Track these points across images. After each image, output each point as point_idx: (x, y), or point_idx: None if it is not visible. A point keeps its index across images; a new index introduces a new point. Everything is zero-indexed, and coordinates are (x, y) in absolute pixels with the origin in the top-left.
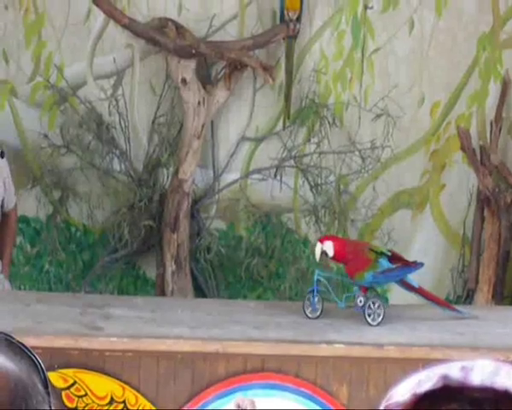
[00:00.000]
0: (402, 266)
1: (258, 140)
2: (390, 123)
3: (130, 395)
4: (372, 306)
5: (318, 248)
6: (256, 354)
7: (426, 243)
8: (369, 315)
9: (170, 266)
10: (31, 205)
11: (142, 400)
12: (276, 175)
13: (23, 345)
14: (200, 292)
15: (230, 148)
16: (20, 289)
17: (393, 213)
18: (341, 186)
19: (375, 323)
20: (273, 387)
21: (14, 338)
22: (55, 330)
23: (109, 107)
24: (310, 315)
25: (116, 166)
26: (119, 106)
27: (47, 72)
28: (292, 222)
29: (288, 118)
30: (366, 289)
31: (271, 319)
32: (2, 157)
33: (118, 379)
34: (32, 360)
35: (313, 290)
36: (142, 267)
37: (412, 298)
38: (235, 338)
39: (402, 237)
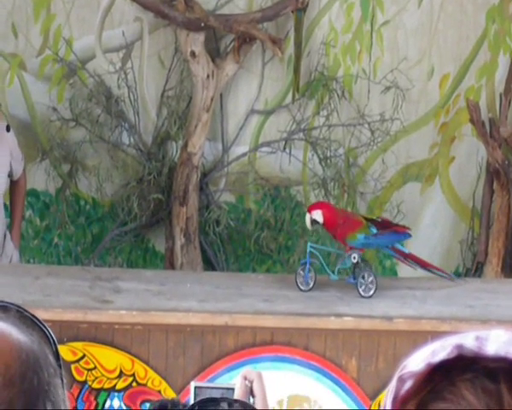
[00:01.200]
0: (391, 231)
1: (268, 113)
2: (399, 96)
3: (140, 369)
4: (364, 278)
5: (308, 217)
6: (265, 326)
7: (435, 216)
8: (362, 287)
9: (179, 240)
10: (40, 178)
11: (151, 373)
12: (285, 148)
13: (35, 317)
14: (209, 265)
15: (239, 121)
16: (29, 262)
17: (402, 185)
18: (350, 159)
19: (367, 295)
20: (282, 360)
21: (25, 310)
22: (64, 304)
23: (118, 80)
24: (302, 288)
25: (125, 139)
26: (127, 79)
27: (56, 45)
28: (301, 195)
29: (297, 91)
30: (361, 250)
31: (280, 291)
32: (8, 131)
33: (127, 352)
34: (44, 332)
35: (305, 263)
36: (152, 241)
37: (421, 271)
38: (245, 311)
39: (411, 209)
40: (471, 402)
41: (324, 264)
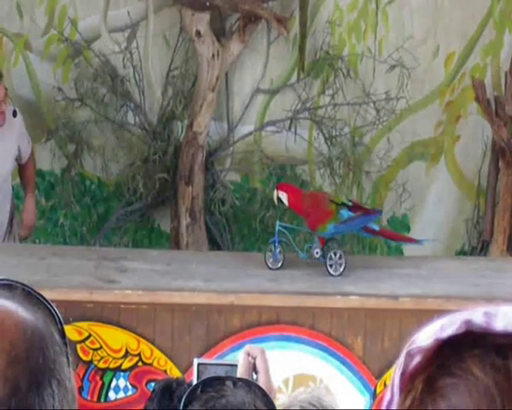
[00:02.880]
0: (362, 214)
1: (273, 92)
2: (404, 74)
3: (145, 348)
4: (333, 256)
5: (275, 193)
6: (271, 306)
7: (440, 195)
8: (331, 266)
9: (184, 219)
10: (45, 158)
11: (156, 352)
12: (290, 127)
13: (40, 295)
14: (214, 245)
15: (245, 100)
16: (34, 242)
17: (408, 164)
18: (356, 138)
19: (336, 273)
20: (288, 339)
21: (31, 289)
22: (69, 284)
23: (123, 60)
24: (271, 266)
25: (130, 119)
26: (133, 59)
27: (61, 25)
28: (306, 174)
29: (303, 70)
30: (324, 241)
31: (286, 271)
32: (15, 116)
33: (133, 332)
34: (50, 310)
35: (274, 241)
36: (157, 220)
37: (427, 250)
38: (250, 291)
39: (417, 188)
40: (479, 378)
41: (293, 242)
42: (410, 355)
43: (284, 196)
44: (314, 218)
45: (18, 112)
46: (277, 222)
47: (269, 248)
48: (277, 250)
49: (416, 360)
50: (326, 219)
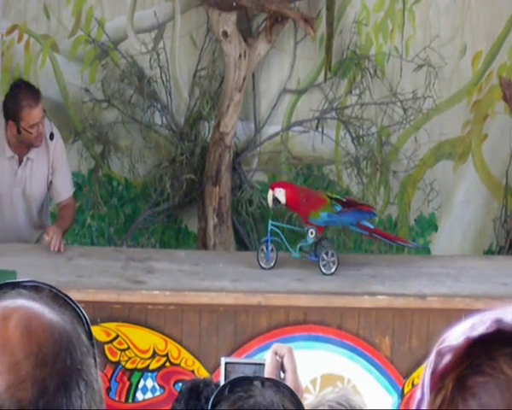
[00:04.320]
0: (356, 209)
1: (300, 92)
2: (432, 73)
3: (173, 349)
4: (325, 256)
5: (270, 195)
6: (298, 306)
7: (468, 194)
8: (323, 265)
9: (212, 220)
10: (73, 160)
11: (184, 353)
12: (317, 127)
13: (67, 297)
14: (241, 245)
15: (272, 100)
16: None
17: (435, 163)
18: (383, 137)
19: (328, 272)
20: (315, 339)
21: (58, 290)
22: (97, 284)
23: (150, 60)
24: (264, 265)
25: (157, 119)
26: (160, 59)
27: (88, 26)
28: (333, 174)
29: (330, 70)
30: (321, 229)
31: (313, 271)
32: (52, 139)
33: (160, 332)
34: (76, 311)
35: (267, 241)
36: (184, 221)
37: (455, 249)
38: (278, 291)
39: (444, 187)
40: (510, 376)
41: (286, 242)
42: (440, 354)
43: (282, 193)
44: (307, 206)
45: (54, 135)
46: (270, 221)
47: (261, 248)
48: (270, 250)
49: (447, 358)
50: (319, 206)
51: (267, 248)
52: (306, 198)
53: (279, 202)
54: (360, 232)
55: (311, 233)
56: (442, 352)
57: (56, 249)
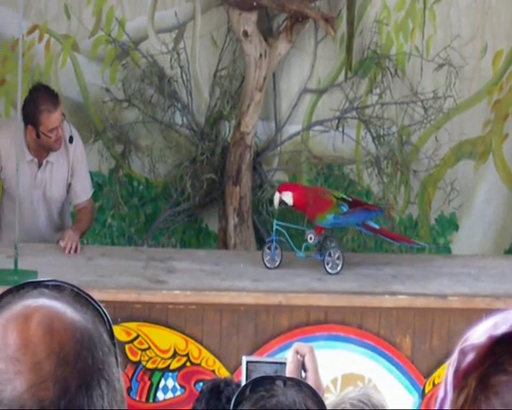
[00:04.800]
0: (362, 209)
1: (320, 92)
2: (452, 73)
3: (194, 348)
4: (331, 255)
5: (276, 197)
6: (319, 305)
7: (489, 193)
8: (328, 264)
9: (232, 219)
10: (93, 159)
11: (205, 353)
12: (338, 127)
13: (89, 296)
14: (262, 245)
15: (292, 100)
16: (82, 243)
17: (456, 163)
18: (404, 137)
19: (333, 271)
20: (336, 339)
21: (80, 289)
22: (117, 284)
23: (171, 60)
24: (268, 265)
25: (178, 119)
26: (180, 59)
27: (108, 26)
28: (354, 173)
29: (350, 69)
30: (321, 232)
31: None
32: (71, 142)
33: (181, 332)
34: (98, 311)
35: (272, 241)
36: (205, 220)
37: (476, 249)
38: (298, 290)
39: (465, 187)
40: None
41: (291, 241)
42: (463, 353)
43: (289, 196)
44: (314, 207)
45: (73, 138)
46: (275, 221)
47: (266, 248)
48: (275, 249)
49: (470, 357)
50: (326, 208)
51: (272, 247)
52: (313, 200)
53: (286, 203)
54: (365, 233)
55: (310, 238)
56: (465, 350)
57: (72, 253)
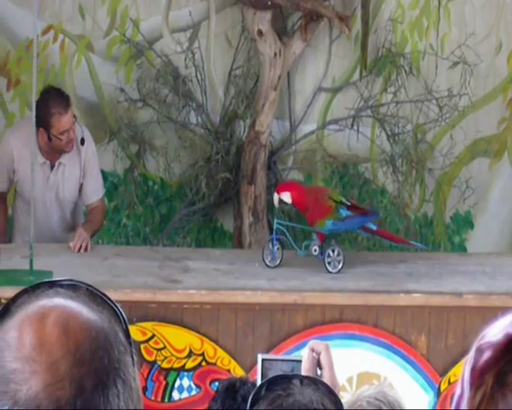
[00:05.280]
0: (360, 213)
1: (335, 90)
2: (467, 71)
3: (209, 348)
4: (331, 253)
5: (276, 197)
6: (334, 304)
7: (504, 191)
8: (329, 263)
9: (247, 219)
10: (108, 159)
11: (220, 352)
12: (352, 125)
13: (105, 295)
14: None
15: (307, 99)
16: (97, 243)
17: (471, 161)
18: (418, 135)
19: (334, 270)
20: (351, 337)
21: (95, 289)
22: (133, 284)
23: (185, 60)
24: (269, 264)
25: (193, 119)
26: (195, 59)
27: (123, 26)
28: (369, 172)
29: (365, 68)
30: (322, 237)
31: (349, 269)
32: (83, 144)
33: (196, 332)
34: (114, 310)
35: (272, 239)
36: (220, 220)
37: (491, 247)
38: (313, 289)
39: (480, 185)
40: None
41: (291, 240)
42: (480, 350)
43: (288, 196)
44: (313, 212)
45: (86, 141)
46: (275, 220)
47: (266, 246)
48: (275, 248)
49: (487, 355)
50: (325, 214)
51: (272, 246)
52: (313, 203)
53: (285, 203)
54: (364, 234)
55: (315, 251)
56: (482, 348)
57: (82, 251)
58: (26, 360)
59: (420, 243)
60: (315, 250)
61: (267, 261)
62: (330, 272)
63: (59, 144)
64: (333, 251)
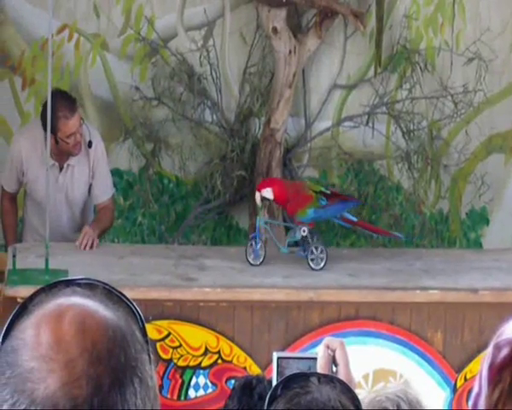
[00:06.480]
0: (339, 201)
1: (350, 87)
2: (482, 67)
3: (225, 345)
4: (315, 251)
5: (257, 196)
6: (350, 301)
7: None
8: (312, 260)
9: (263, 216)
10: (123, 158)
11: (236, 349)
12: (367, 122)
13: (121, 294)
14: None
15: (322, 96)
16: (113, 241)
17: (486, 157)
18: (434, 131)
19: (317, 267)
20: (367, 334)
21: (112, 287)
22: (148, 282)
23: (200, 58)
24: (252, 262)
25: (208, 116)
26: (210, 57)
27: (138, 24)
28: (384, 169)
29: (380, 64)
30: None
31: (365, 266)
32: (90, 147)
33: (212, 330)
34: (131, 308)
35: (255, 237)
36: (235, 218)
37: (507, 243)
38: (329, 286)
39: (495, 180)
40: None
41: (274, 238)
42: (498, 347)
43: (269, 192)
44: (294, 203)
45: (94, 142)
46: (258, 218)
47: (249, 244)
48: (258, 246)
49: (505, 352)
50: (306, 203)
51: (255, 244)
52: (293, 195)
53: (267, 200)
54: (343, 225)
55: (304, 231)
56: (500, 345)
57: (87, 249)
58: (43, 358)
59: (399, 234)
60: (303, 231)
61: (250, 259)
62: (313, 269)
63: (66, 147)
64: (316, 248)
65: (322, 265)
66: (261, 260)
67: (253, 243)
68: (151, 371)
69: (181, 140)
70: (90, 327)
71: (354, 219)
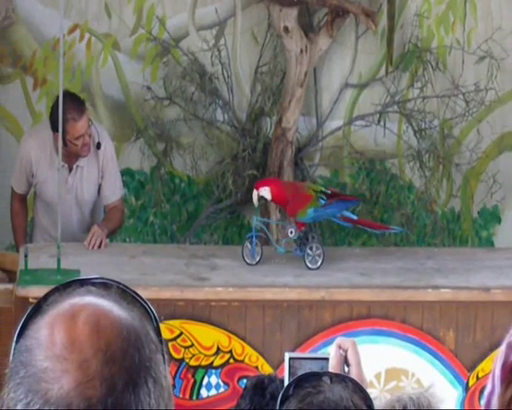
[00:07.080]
0: (339, 200)
1: (362, 86)
2: (494, 65)
3: (237, 345)
4: (311, 250)
5: (255, 194)
6: (362, 300)
7: None
8: (308, 259)
9: (274, 215)
10: (135, 157)
11: (248, 349)
12: (379, 121)
13: (136, 293)
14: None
15: (333, 95)
16: (125, 241)
17: (498, 155)
18: (445, 130)
19: (314, 266)
20: (379, 333)
21: (126, 287)
22: (160, 282)
23: (212, 57)
24: (248, 261)
25: (219, 116)
26: (221, 56)
27: (149, 24)
28: (396, 168)
29: (391, 63)
30: (301, 226)
31: (376, 265)
32: (99, 148)
33: (224, 329)
34: (145, 308)
35: (251, 237)
36: (247, 217)
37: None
38: (341, 285)
39: (507, 179)
40: None
41: (271, 237)
42: (510, 346)
43: (267, 191)
44: (294, 203)
45: (103, 143)
46: (254, 217)
47: (246, 244)
48: (254, 245)
49: None
50: (306, 203)
51: (252, 243)
52: (293, 195)
53: (265, 199)
54: (344, 225)
55: (291, 233)
56: None
57: (95, 249)
58: (58, 358)
59: (397, 228)
60: (291, 232)
61: (246, 259)
62: (310, 268)
63: (74, 149)
64: (311, 248)
65: (318, 264)
66: (258, 259)
67: (249, 242)
68: (165, 372)
69: (192, 140)
70: (104, 327)
71: (354, 217)
